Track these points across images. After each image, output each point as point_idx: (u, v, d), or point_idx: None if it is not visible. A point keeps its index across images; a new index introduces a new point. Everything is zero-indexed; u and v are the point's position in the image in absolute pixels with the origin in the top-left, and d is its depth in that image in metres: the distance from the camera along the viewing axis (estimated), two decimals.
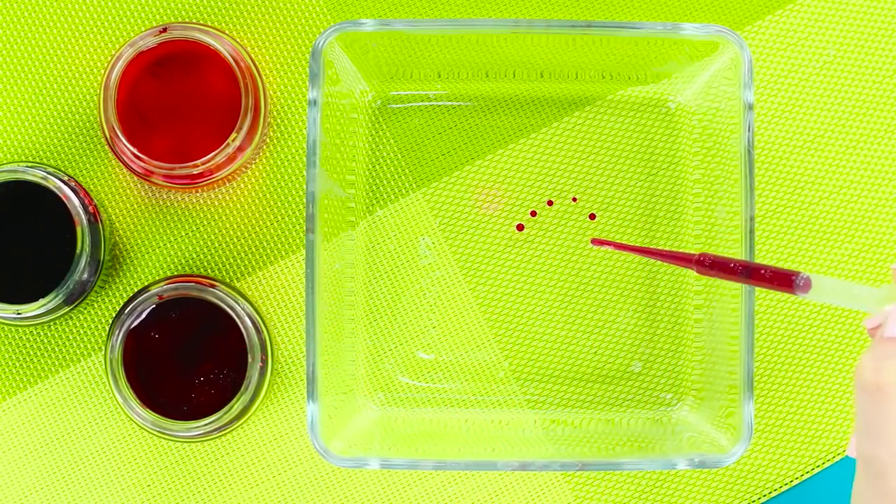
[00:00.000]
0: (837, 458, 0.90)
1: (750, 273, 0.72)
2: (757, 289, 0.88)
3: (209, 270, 0.90)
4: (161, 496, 0.89)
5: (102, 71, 0.89)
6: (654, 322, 0.89)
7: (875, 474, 0.62)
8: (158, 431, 0.84)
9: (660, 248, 0.87)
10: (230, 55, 0.85)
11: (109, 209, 0.89)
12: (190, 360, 0.85)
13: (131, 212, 0.90)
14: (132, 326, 0.84)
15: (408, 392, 0.89)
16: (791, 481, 0.90)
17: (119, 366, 0.84)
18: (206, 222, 0.90)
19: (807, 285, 0.69)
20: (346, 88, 0.86)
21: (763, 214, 0.90)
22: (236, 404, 0.84)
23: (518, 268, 0.89)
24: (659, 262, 0.89)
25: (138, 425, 0.85)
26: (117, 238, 0.89)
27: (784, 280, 0.70)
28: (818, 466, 0.90)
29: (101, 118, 0.85)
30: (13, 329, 0.89)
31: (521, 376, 0.89)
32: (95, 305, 0.89)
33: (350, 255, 0.88)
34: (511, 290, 0.89)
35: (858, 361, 0.63)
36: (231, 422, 0.85)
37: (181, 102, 0.86)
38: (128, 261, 0.90)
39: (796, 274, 0.69)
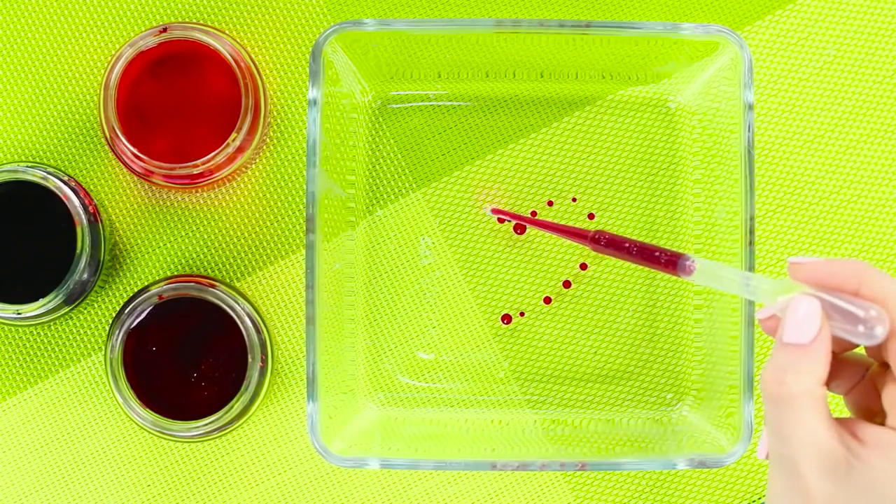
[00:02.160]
0: None
1: (643, 254, 0.75)
2: None
3: (209, 270, 0.90)
4: (161, 496, 0.89)
5: (102, 71, 0.89)
6: (654, 322, 0.89)
7: (788, 474, 0.64)
8: (158, 431, 0.84)
9: (559, 223, 0.88)
10: (230, 55, 0.85)
11: (109, 209, 0.89)
12: (190, 361, 0.85)
13: (131, 212, 0.90)
14: (132, 326, 0.84)
15: (408, 392, 0.89)
16: None
17: (119, 366, 0.84)
18: (206, 222, 0.90)
19: (691, 269, 0.71)
20: (346, 88, 0.86)
21: (763, 214, 0.90)
22: (236, 404, 0.84)
23: (518, 268, 0.90)
24: None
25: (138, 425, 0.85)
26: (117, 238, 0.89)
27: (671, 263, 0.72)
28: None
29: (101, 118, 0.85)
30: (13, 329, 0.89)
31: (521, 376, 0.89)
32: (95, 305, 0.89)
33: (350, 255, 0.88)
34: (511, 290, 0.89)
35: (761, 373, 0.65)
36: (231, 422, 0.85)
37: (181, 102, 0.86)
38: (128, 261, 0.90)
39: (683, 256, 0.72)
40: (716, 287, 0.70)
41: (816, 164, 0.91)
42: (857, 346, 0.67)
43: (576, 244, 0.89)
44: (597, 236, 0.78)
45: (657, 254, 0.74)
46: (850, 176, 0.91)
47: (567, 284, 0.89)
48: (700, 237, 0.88)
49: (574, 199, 0.90)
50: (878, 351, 0.66)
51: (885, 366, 0.65)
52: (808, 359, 0.63)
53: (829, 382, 0.68)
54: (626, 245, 0.76)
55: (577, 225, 0.89)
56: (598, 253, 0.78)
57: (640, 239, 0.89)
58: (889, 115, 0.91)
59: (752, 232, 0.81)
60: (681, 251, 0.73)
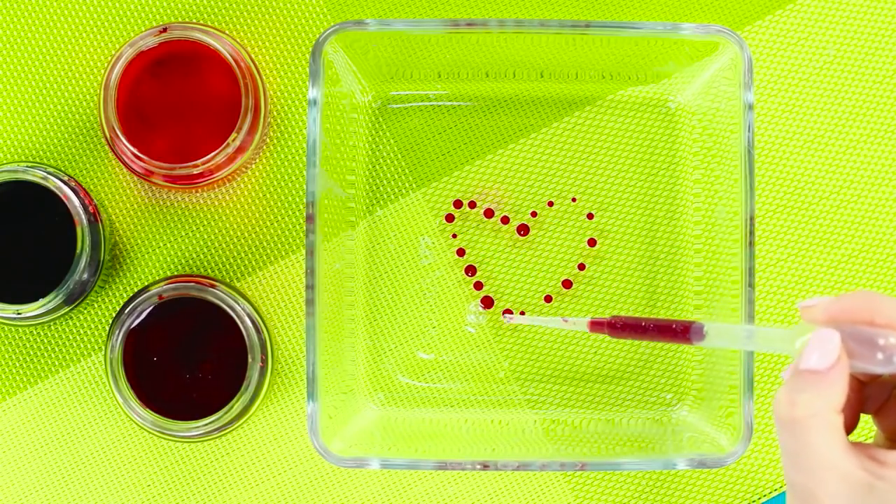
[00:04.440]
0: None
1: (659, 329, 0.74)
2: (756, 288, 0.88)
3: (209, 270, 0.90)
4: (161, 496, 0.89)
5: (102, 71, 0.89)
6: None
7: (803, 499, 0.63)
8: (158, 431, 0.84)
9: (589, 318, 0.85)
10: (230, 55, 0.85)
11: (109, 209, 0.89)
12: (190, 360, 0.85)
13: (131, 212, 0.90)
14: (132, 326, 0.84)
15: (408, 392, 0.89)
16: None
17: (119, 366, 0.84)
18: (206, 222, 0.90)
19: (703, 334, 0.71)
20: (346, 88, 0.86)
21: (763, 214, 0.90)
22: (236, 404, 0.84)
23: (518, 267, 0.89)
24: (659, 263, 0.89)
25: (138, 425, 0.85)
26: (117, 238, 0.89)
27: (685, 331, 0.72)
28: None
29: (101, 118, 0.85)
30: (13, 329, 0.89)
31: (521, 376, 0.89)
32: (95, 305, 0.89)
33: (350, 255, 0.88)
34: (511, 290, 0.89)
35: (774, 397, 0.64)
36: (231, 422, 0.85)
37: (181, 102, 0.86)
38: (128, 261, 0.90)
39: (695, 324, 0.71)
40: (730, 346, 0.70)
41: (816, 164, 0.91)
42: (879, 377, 0.66)
43: (575, 247, 0.89)
44: (613, 321, 0.78)
45: (673, 326, 0.73)
46: (850, 176, 0.91)
47: (567, 284, 0.89)
48: (700, 237, 0.88)
49: (574, 199, 0.90)
50: None
51: None
52: (823, 383, 0.63)
53: (861, 404, 0.67)
54: (643, 324, 0.76)
55: (577, 225, 0.89)
56: (616, 338, 0.78)
57: (640, 240, 0.89)
58: (889, 115, 0.91)
59: (752, 232, 0.81)
60: (691, 320, 0.73)
